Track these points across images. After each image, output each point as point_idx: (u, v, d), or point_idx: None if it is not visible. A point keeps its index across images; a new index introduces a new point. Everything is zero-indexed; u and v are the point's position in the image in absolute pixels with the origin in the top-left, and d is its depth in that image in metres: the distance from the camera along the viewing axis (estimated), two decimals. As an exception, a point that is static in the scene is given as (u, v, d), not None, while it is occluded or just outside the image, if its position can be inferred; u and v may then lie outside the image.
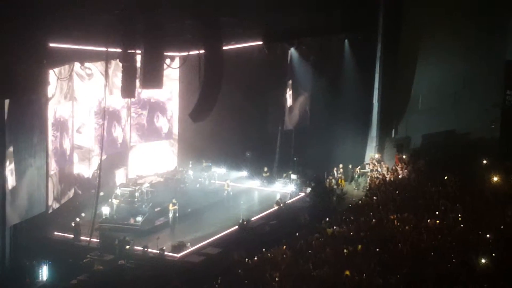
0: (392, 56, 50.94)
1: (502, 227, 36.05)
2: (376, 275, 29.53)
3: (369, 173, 48.41)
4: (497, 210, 38.51)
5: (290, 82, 48.59)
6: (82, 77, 39.04)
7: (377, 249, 32.54)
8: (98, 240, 34.56)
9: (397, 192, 42.64)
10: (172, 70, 41.16)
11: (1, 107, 31.01)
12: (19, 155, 32.25)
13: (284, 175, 47.18)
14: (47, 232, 35.43)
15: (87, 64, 38.15)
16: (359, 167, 48.23)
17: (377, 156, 50.64)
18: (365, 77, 50.62)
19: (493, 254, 32.03)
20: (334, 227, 36.47)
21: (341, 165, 47.08)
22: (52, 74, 35.12)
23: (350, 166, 47.90)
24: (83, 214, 37.32)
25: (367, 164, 49.79)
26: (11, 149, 31.69)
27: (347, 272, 29.57)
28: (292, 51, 47.06)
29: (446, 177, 44.91)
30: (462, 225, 36.18)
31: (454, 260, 31.31)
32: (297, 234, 35.85)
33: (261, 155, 48.37)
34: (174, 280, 30.61)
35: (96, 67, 39.59)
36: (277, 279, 29.38)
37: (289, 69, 48.16)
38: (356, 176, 47.85)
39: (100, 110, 39.82)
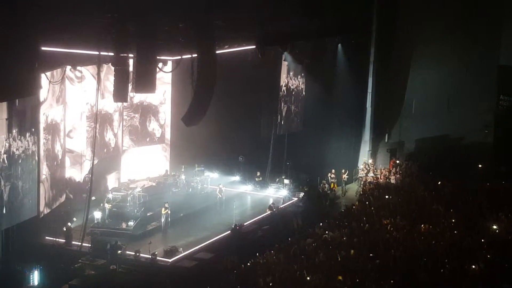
0: (386, 60, 51.01)
1: (496, 231, 36.03)
2: (369, 280, 29.43)
3: (362, 178, 48.38)
4: (491, 214, 38.47)
5: (283, 86, 48.50)
6: (72, 80, 38.83)
7: (370, 254, 32.46)
8: (90, 245, 34.35)
9: (390, 197, 42.56)
10: (164, 74, 41.00)
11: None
12: (11, 159, 32.07)
13: (277, 179, 47.12)
14: (38, 237, 35.20)
15: (78, 67, 37.96)
16: (345, 172, 47.96)
17: (370, 160, 50.62)
18: (359, 81, 50.69)
19: (487, 259, 32.01)
20: (327, 232, 36.38)
21: (333, 170, 47.02)
22: (44, 78, 34.91)
23: (343, 170, 47.83)
24: (74, 219, 37.08)
25: (360, 169, 49.77)
26: (2, 153, 31.49)
27: (340, 277, 29.49)
28: (286, 55, 46.96)
29: (439, 182, 44.92)
30: (455, 230, 36.10)
31: (447, 266, 31.24)
32: (289, 239, 35.74)
33: (254, 160, 48.28)
34: (166, 285, 30.48)
35: (87, 70, 39.42)
36: (270, 284, 29.26)
37: (283, 73, 48.06)
38: (343, 183, 47.67)
39: (92, 114, 39.67)
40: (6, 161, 31.73)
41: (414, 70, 53.23)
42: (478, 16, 53.37)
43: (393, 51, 51.50)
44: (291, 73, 48.60)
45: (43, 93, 35.33)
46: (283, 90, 48.51)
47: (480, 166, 49.59)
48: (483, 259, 31.93)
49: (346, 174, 47.72)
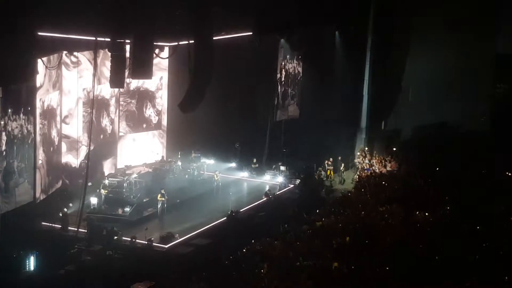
0: (383, 47, 51.00)
1: (491, 220, 36.08)
2: (365, 267, 29.49)
3: (358, 165, 48.41)
4: (487, 202, 38.52)
5: (281, 71, 48.47)
6: (67, 65, 38.74)
7: (366, 241, 32.50)
8: (86, 231, 34.39)
9: (386, 184, 42.58)
10: (161, 60, 40.98)
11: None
12: (7, 144, 32.06)
13: (274, 166, 47.14)
14: (34, 222, 35.14)
15: (74, 53, 37.93)
16: (340, 161, 47.91)
17: (366, 148, 50.61)
18: (356, 68, 50.71)
19: (482, 247, 32.09)
20: (323, 219, 36.42)
21: (331, 159, 47.00)
22: (41, 63, 34.87)
23: (339, 158, 47.82)
24: (70, 204, 37.13)
25: (356, 156, 49.80)
26: (-2, 138, 31.58)
27: (336, 264, 29.53)
28: (283, 42, 46.87)
29: (436, 169, 44.94)
30: (451, 218, 36.14)
31: (443, 253, 31.29)
32: (285, 225, 35.77)
33: (251, 146, 48.33)
34: (162, 271, 30.50)
35: (83, 55, 39.35)
36: (265, 270, 29.30)
37: (280, 60, 48.02)
38: (341, 171, 47.55)
39: (88, 99, 39.63)
40: (1, 145, 31.73)
41: (412, 57, 53.20)
42: (475, 5, 53.27)
43: (390, 39, 51.45)
44: (287, 58, 48.53)
45: (39, 79, 35.29)
46: (282, 74, 48.51)
47: (475, 154, 49.56)
48: (479, 247, 31.99)
49: (342, 164, 47.55)
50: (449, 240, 32.81)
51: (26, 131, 33.53)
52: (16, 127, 32.75)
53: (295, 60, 49.23)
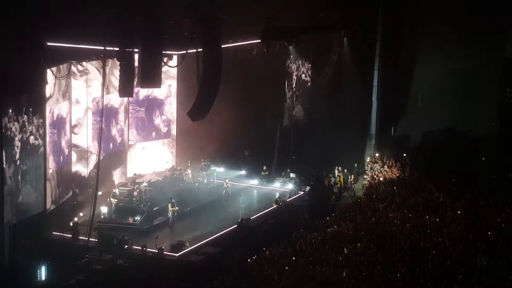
0: (391, 53, 50.91)
1: (502, 225, 35.99)
2: (376, 273, 29.44)
3: (368, 171, 48.32)
4: (497, 207, 38.43)
5: (289, 80, 48.47)
6: (75, 74, 38.83)
7: (377, 248, 32.44)
8: (97, 240, 34.37)
9: (396, 190, 42.49)
10: (170, 68, 41.00)
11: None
12: (17, 154, 32.12)
13: (283, 173, 47.10)
14: (45, 232, 35.26)
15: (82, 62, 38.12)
16: (351, 171, 47.75)
17: (376, 154, 50.54)
18: (364, 74, 50.65)
19: (493, 251, 32.01)
20: (334, 226, 36.37)
21: (339, 168, 46.94)
22: (50, 73, 34.95)
23: (355, 164, 47.75)
24: (81, 214, 37.14)
25: (366, 162, 49.73)
26: (9, 149, 31.54)
27: (347, 272, 29.49)
28: (291, 48, 46.90)
29: (446, 174, 44.83)
30: (461, 223, 36.06)
31: (453, 258, 31.23)
32: (296, 233, 35.73)
33: (260, 154, 48.26)
34: (173, 279, 30.52)
35: (91, 64, 39.42)
36: (276, 278, 29.27)
37: (288, 67, 48.02)
38: (351, 183, 47.31)
39: (98, 109, 39.68)
40: (11, 157, 31.81)
41: (420, 63, 53.18)
42: (483, 9, 53.16)
43: (399, 44, 51.42)
44: (296, 64, 48.52)
45: (49, 89, 35.39)
46: (291, 81, 48.52)
47: (485, 158, 49.48)
48: (489, 252, 31.92)
49: (352, 177, 47.33)
50: (460, 244, 32.75)
51: (37, 145, 33.64)
52: (28, 140, 32.83)
53: (302, 65, 49.19)
